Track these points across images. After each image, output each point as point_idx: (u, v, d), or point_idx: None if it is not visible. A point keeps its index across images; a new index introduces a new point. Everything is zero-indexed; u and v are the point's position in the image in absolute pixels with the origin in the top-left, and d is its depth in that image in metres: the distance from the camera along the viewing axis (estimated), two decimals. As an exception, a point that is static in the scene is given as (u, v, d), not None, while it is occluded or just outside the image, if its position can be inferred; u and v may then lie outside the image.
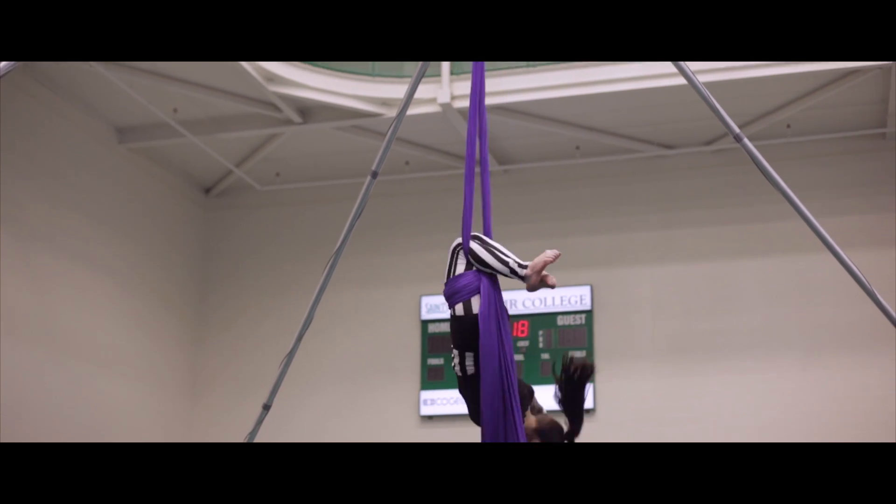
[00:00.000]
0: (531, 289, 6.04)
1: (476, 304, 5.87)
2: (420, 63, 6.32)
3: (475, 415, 5.95)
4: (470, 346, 5.85)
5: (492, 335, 5.83)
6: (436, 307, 15.92)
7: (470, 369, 5.88)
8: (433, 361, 15.95)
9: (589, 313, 15.63)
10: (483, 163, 6.23)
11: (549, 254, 5.99)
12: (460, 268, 5.97)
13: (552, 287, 6.02)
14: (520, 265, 5.97)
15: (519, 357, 15.61)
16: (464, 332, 5.85)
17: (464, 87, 13.74)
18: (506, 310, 6.07)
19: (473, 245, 5.95)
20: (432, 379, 15.87)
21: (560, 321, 15.59)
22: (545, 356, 15.51)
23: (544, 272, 6.01)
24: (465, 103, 13.24)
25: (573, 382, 6.32)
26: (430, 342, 16.04)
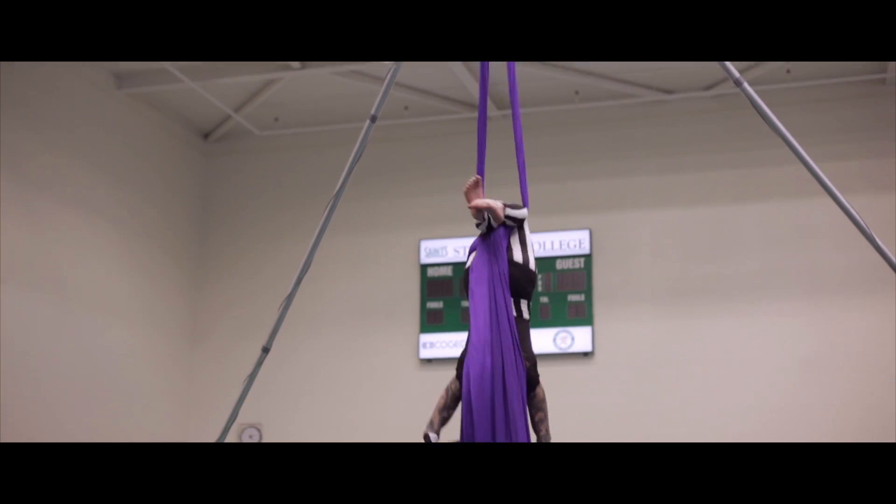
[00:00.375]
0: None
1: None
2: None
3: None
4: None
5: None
6: (435, 251, 15.96)
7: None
8: (432, 305, 16.00)
9: (588, 257, 15.65)
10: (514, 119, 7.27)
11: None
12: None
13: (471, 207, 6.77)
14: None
15: (518, 301, 15.66)
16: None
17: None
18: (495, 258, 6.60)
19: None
20: (431, 322, 15.93)
21: (559, 265, 15.61)
22: (544, 300, 15.55)
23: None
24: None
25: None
26: (430, 286, 16.08)
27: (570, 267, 15.66)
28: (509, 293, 6.60)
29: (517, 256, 6.72)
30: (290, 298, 6.72)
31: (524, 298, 6.81)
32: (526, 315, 6.88)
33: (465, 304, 15.72)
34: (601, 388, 15.33)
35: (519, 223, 6.83)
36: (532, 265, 6.86)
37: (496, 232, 6.70)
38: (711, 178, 15.63)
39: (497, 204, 6.73)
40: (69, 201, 14.40)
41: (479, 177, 6.85)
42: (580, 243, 15.72)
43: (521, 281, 6.71)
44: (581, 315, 15.46)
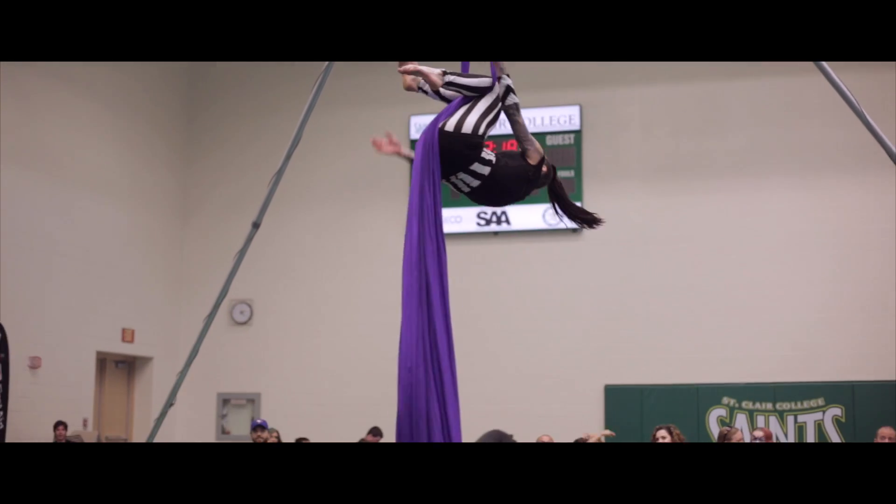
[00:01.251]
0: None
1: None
2: None
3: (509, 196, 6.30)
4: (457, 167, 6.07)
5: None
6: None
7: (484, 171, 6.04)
8: (421, 181, 15.97)
9: (578, 133, 15.61)
10: None
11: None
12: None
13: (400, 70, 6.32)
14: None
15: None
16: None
17: None
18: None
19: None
20: (420, 199, 15.91)
21: (549, 141, 15.58)
22: (533, 176, 15.54)
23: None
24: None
25: (555, 192, 6.35)
26: (419, 162, 16.03)
27: (560, 143, 15.63)
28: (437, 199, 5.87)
29: (449, 125, 6.07)
30: (279, 174, 6.69)
31: (463, 169, 5.99)
32: (486, 170, 6.03)
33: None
34: (589, 264, 15.41)
35: (474, 92, 6.18)
36: (470, 129, 6.03)
37: (448, 106, 6.19)
38: (703, 53, 15.51)
39: (429, 69, 6.16)
40: (57, 77, 14.28)
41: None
42: (570, 119, 15.67)
43: (454, 150, 5.98)
44: (570, 191, 15.46)
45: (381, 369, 15.76)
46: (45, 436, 13.04)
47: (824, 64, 6.05)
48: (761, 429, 12.37)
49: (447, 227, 16.37)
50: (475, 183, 6.03)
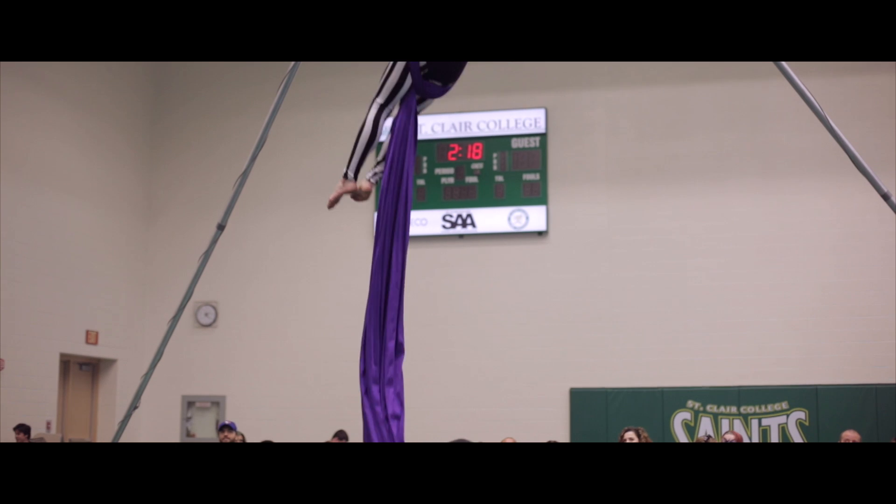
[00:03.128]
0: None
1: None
2: None
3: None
4: None
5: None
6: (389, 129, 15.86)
7: None
8: (387, 184, 15.95)
9: (543, 136, 15.64)
10: None
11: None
12: None
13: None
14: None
15: (473, 179, 15.69)
16: None
17: None
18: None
19: None
20: (386, 201, 15.89)
21: (514, 144, 15.60)
22: (499, 178, 15.57)
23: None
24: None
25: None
26: (385, 164, 16.02)
27: (526, 146, 15.65)
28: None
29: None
30: (245, 175, 6.67)
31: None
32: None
33: (420, 182, 15.72)
34: (555, 266, 15.44)
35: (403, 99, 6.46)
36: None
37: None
38: (668, 57, 15.58)
39: (353, 186, 6.40)
40: (25, 80, 14.19)
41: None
42: (535, 122, 15.69)
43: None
44: (536, 194, 15.51)
45: (346, 372, 15.75)
46: (8, 438, 12.93)
47: (788, 68, 6.08)
48: (732, 432, 12.44)
49: (412, 230, 16.39)
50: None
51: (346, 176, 6.19)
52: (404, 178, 6.09)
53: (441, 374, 15.12)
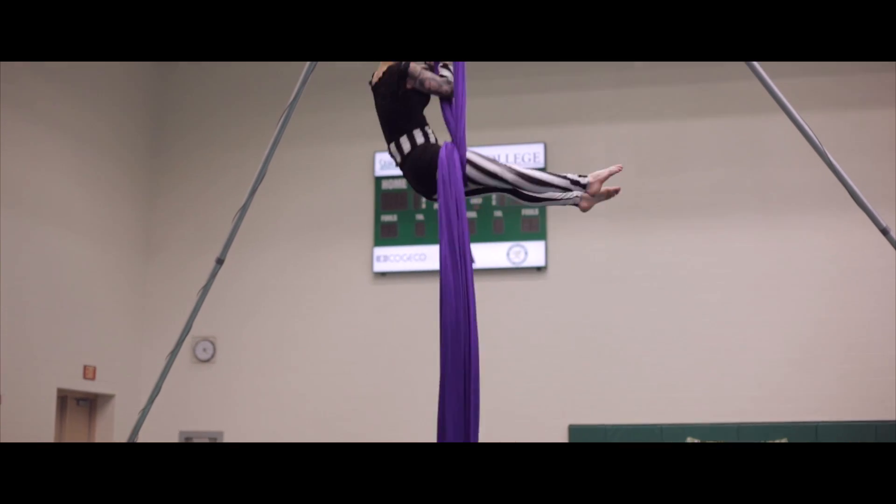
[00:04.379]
0: (591, 199, 7.01)
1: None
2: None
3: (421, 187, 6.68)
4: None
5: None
6: (389, 163, 15.87)
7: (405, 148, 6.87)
8: (386, 218, 15.97)
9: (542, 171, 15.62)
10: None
11: (613, 167, 6.98)
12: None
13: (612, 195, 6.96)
14: (579, 175, 6.76)
15: (472, 214, 15.68)
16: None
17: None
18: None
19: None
20: (385, 235, 15.91)
21: (513, 179, 15.59)
22: (498, 213, 15.58)
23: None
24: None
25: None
26: (384, 198, 16.05)
27: (525, 181, 15.63)
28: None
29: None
30: (244, 210, 6.68)
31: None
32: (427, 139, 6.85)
33: (419, 217, 15.72)
34: (554, 302, 15.42)
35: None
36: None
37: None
38: (667, 92, 15.63)
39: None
40: (19, 110, 14.19)
41: None
42: (535, 157, 15.71)
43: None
44: (534, 229, 15.51)
45: (344, 409, 15.72)
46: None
47: (786, 102, 6.10)
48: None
49: (410, 265, 16.40)
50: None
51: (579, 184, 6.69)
52: (467, 258, 6.19)
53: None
